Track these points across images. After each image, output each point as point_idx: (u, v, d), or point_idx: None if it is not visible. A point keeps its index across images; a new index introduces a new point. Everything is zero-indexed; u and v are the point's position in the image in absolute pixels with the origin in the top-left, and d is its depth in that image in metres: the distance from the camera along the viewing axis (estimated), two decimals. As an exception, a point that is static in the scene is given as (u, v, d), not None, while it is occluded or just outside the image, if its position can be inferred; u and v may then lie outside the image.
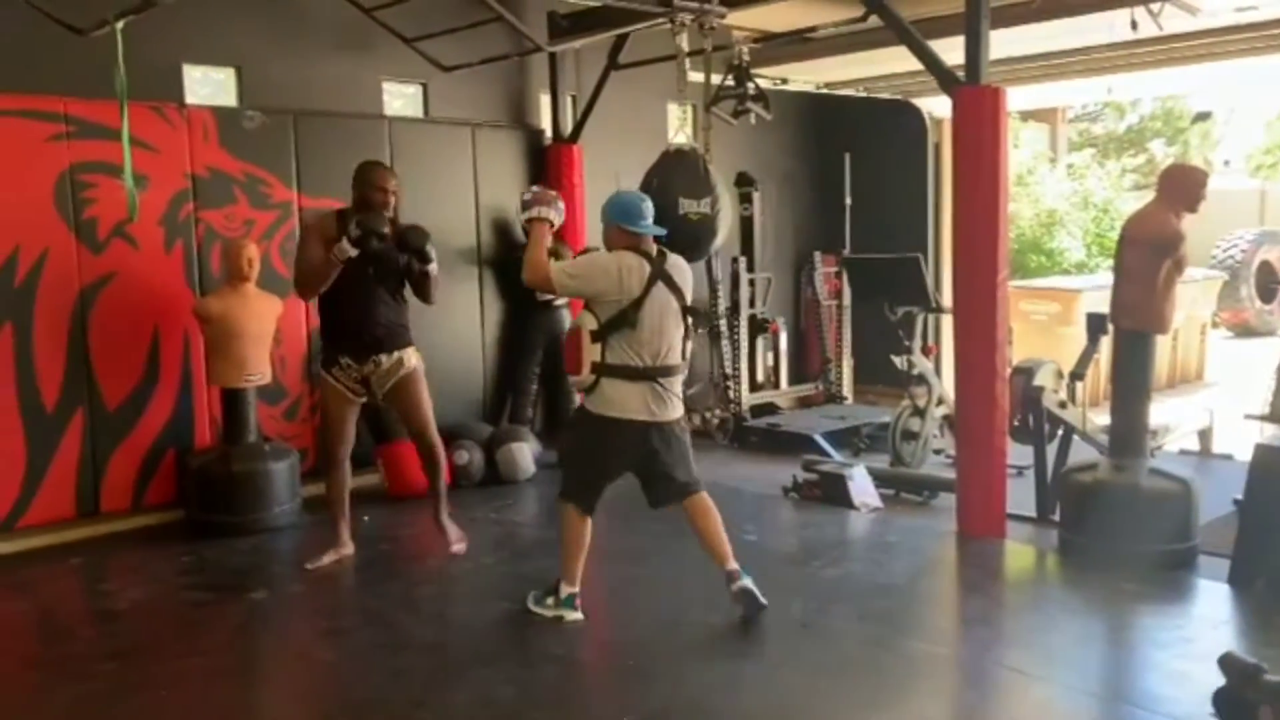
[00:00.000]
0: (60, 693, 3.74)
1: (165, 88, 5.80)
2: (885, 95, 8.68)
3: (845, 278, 8.36)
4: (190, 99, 5.96)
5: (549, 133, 7.48)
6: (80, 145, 5.41)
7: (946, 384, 6.73)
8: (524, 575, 4.94)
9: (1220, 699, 3.13)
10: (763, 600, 4.20)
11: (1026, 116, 15.50)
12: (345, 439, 5.00)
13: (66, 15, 5.02)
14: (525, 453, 6.70)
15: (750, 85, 5.88)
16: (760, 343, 8.30)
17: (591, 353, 4.07)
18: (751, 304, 8.16)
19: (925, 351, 7.07)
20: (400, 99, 6.94)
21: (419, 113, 7.00)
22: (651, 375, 4.08)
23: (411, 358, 5.00)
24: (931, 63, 5.20)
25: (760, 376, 8.36)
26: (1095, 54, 7.07)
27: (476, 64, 6.59)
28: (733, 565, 4.26)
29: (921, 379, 6.87)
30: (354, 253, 4.66)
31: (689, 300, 4.23)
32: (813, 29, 6.19)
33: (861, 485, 6.00)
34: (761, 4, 5.72)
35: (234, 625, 4.41)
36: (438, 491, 5.18)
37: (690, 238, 5.48)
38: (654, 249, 4.20)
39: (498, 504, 6.19)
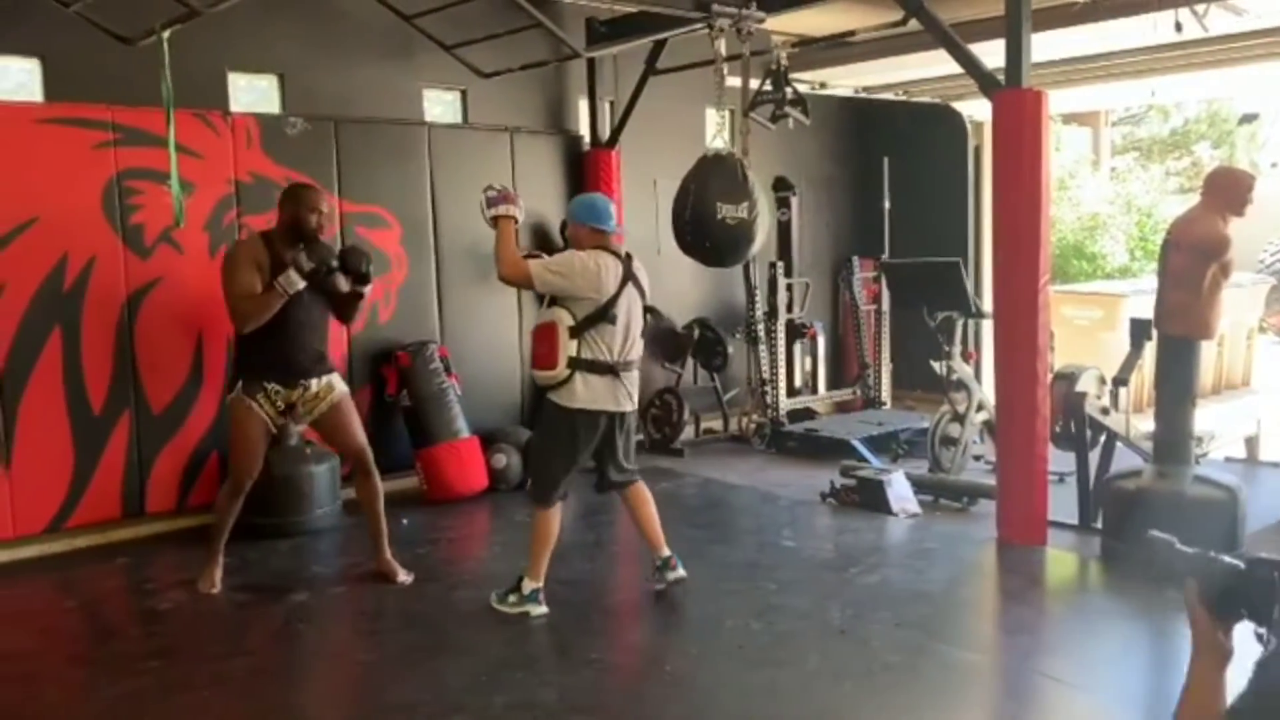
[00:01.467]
0: (106, 690, 3.81)
1: (210, 95, 5.89)
2: (924, 99, 8.63)
3: (884, 282, 8.30)
4: (234, 106, 6.05)
5: (587, 138, 7.51)
6: (127, 152, 5.51)
7: (986, 389, 6.67)
8: (559, 578, 4.94)
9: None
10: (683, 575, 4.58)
11: (1068, 119, 15.33)
12: (257, 467, 4.75)
13: (114, 25, 5.11)
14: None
15: (788, 90, 5.87)
16: (798, 348, 8.28)
17: (568, 348, 4.25)
18: (789, 309, 8.14)
19: (965, 357, 7.00)
20: (440, 105, 7.00)
21: (458, 119, 7.05)
22: (617, 370, 4.31)
23: (339, 382, 4.90)
24: (972, 66, 5.17)
25: (798, 381, 8.33)
26: (1139, 56, 6.97)
27: (515, 70, 6.63)
28: (665, 553, 4.61)
29: (961, 384, 6.81)
30: (302, 285, 4.49)
31: (647, 300, 4.50)
32: (852, 33, 6.17)
33: (900, 491, 5.96)
34: (800, 8, 5.71)
35: (275, 626, 4.47)
36: (380, 516, 4.90)
37: (728, 242, 5.47)
38: (622, 249, 4.41)
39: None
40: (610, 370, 4.29)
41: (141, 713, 3.64)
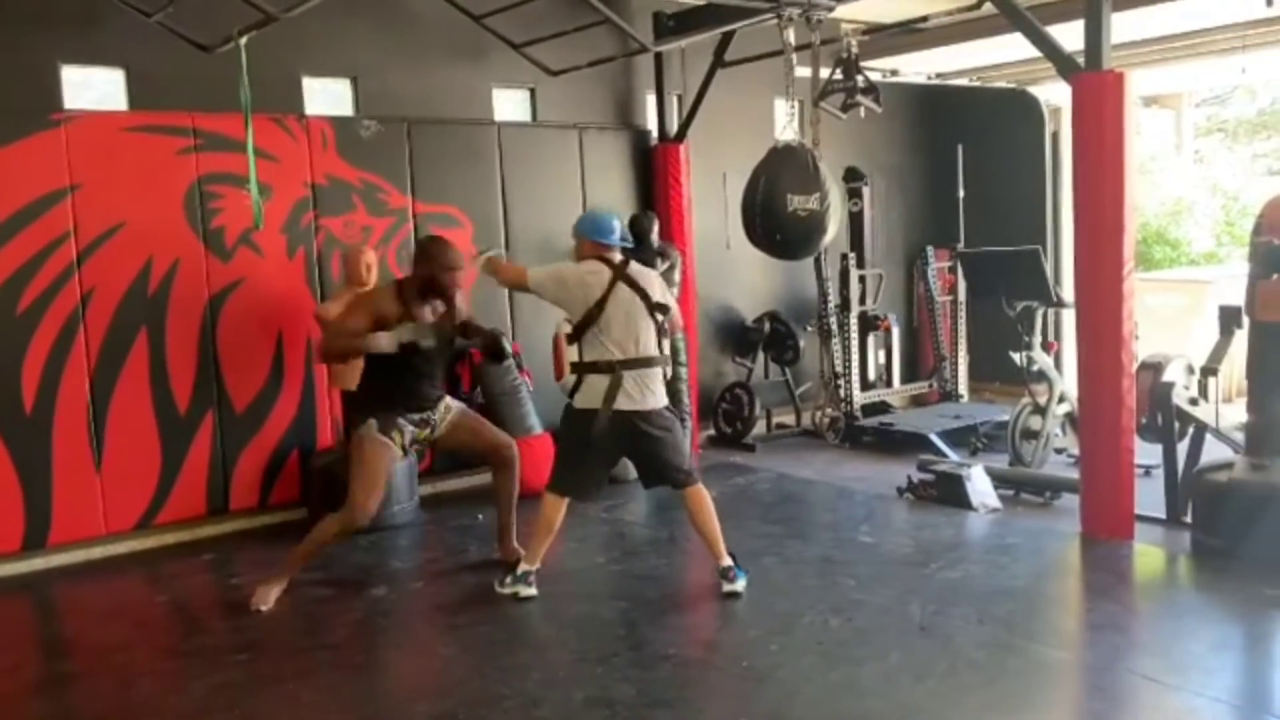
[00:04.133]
0: (198, 683, 3.91)
1: (286, 99, 6.00)
2: (999, 84, 8.45)
3: (960, 272, 8.16)
4: (309, 110, 6.15)
5: (655, 132, 7.50)
6: (208, 158, 5.65)
7: (1068, 381, 6.51)
8: (636, 574, 4.97)
9: None
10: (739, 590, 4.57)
11: (1148, 102, 14.88)
12: (377, 503, 4.72)
13: (193, 34, 5.24)
14: (635, 452, 6.71)
15: (859, 78, 5.78)
16: (871, 340, 8.17)
17: (571, 354, 4.52)
18: (862, 301, 8.04)
19: (1045, 347, 6.85)
20: (509, 104, 7.04)
21: (527, 117, 7.09)
22: (625, 368, 4.44)
23: (453, 400, 4.99)
24: (1049, 49, 5.04)
25: (872, 375, 8.22)
26: (1227, 33, 6.74)
27: (584, 66, 6.64)
28: (726, 561, 4.59)
29: (1042, 376, 6.66)
30: (388, 349, 4.49)
31: (656, 299, 4.56)
32: (924, 18, 6.06)
33: (979, 485, 5.85)
34: (870, -5, 5.63)
35: (357, 620, 4.54)
36: (513, 508, 5.06)
37: (799, 234, 5.44)
38: (617, 258, 4.61)
39: (607, 503, 6.21)
40: (612, 370, 4.44)
41: (232, 705, 3.72)
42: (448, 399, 4.95)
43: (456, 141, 6.55)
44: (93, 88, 5.59)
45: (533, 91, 7.04)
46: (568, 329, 4.53)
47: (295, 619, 4.57)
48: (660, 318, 4.58)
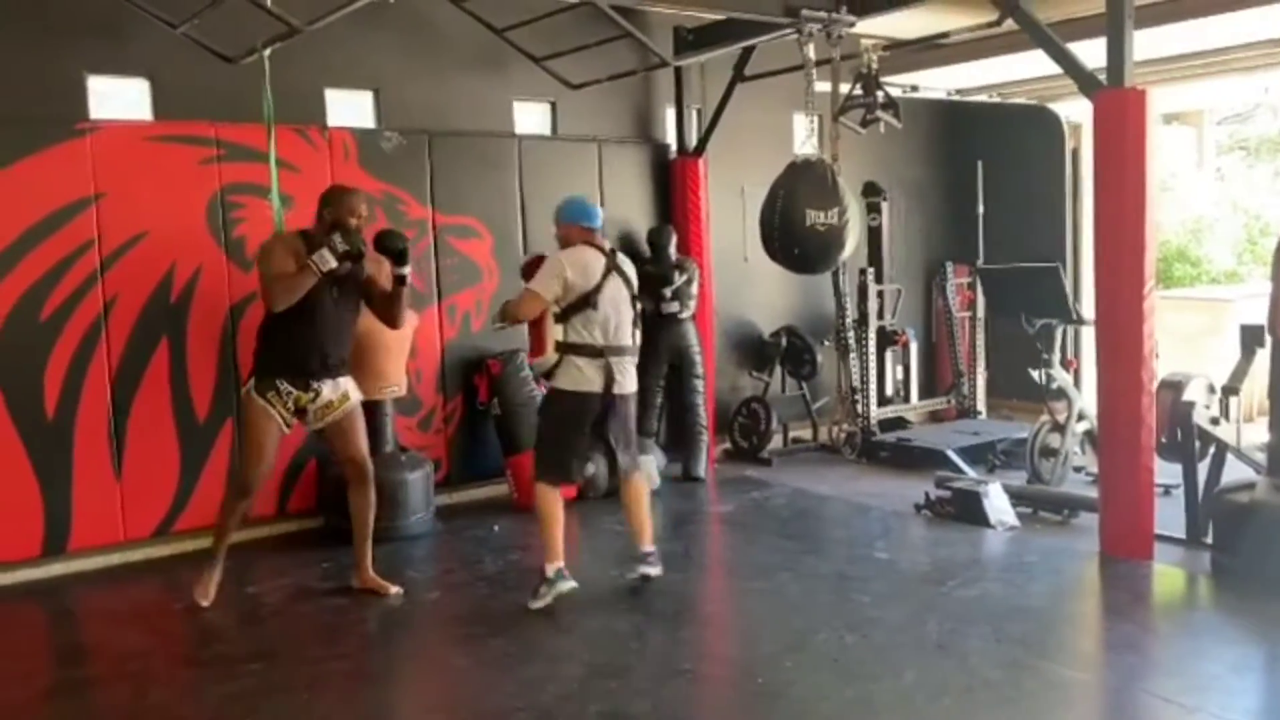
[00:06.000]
0: (212, 690, 3.92)
1: (308, 111, 6.05)
2: (1019, 100, 8.43)
3: (979, 288, 8.14)
4: (331, 121, 6.19)
5: (674, 146, 7.52)
6: (230, 168, 5.69)
7: (1087, 398, 6.47)
8: (650, 587, 4.95)
9: None
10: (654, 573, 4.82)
11: (1169, 119, 14.81)
12: (267, 468, 4.76)
13: (218, 45, 5.29)
14: (650, 465, 6.71)
15: (879, 93, 5.79)
16: (889, 355, 8.14)
17: (555, 333, 4.61)
18: (880, 315, 8.02)
19: (1065, 364, 6.81)
20: (530, 117, 7.07)
21: (547, 130, 7.12)
22: (606, 353, 4.59)
23: (355, 391, 4.89)
24: (1071, 66, 5.03)
25: (889, 390, 8.20)
26: (1250, 51, 6.71)
27: (604, 80, 6.66)
28: (648, 548, 4.83)
29: (1061, 393, 6.63)
30: (334, 264, 4.45)
31: (635, 290, 4.77)
32: (945, 34, 6.05)
33: (997, 503, 5.81)
34: (891, 11, 5.63)
35: (371, 630, 4.55)
36: (368, 527, 4.95)
37: (817, 249, 5.44)
38: (606, 244, 4.78)
39: (623, 516, 6.19)
40: (599, 354, 4.58)
41: (245, 713, 3.73)
42: (350, 389, 4.85)
43: (476, 153, 6.58)
44: (119, 97, 5.64)
45: (553, 105, 7.07)
46: (554, 308, 4.59)
47: (310, 628, 4.58)
48: (638, 308, 4.77)
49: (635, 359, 4.79)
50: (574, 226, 4.76)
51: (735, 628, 4.67)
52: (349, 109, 6.33)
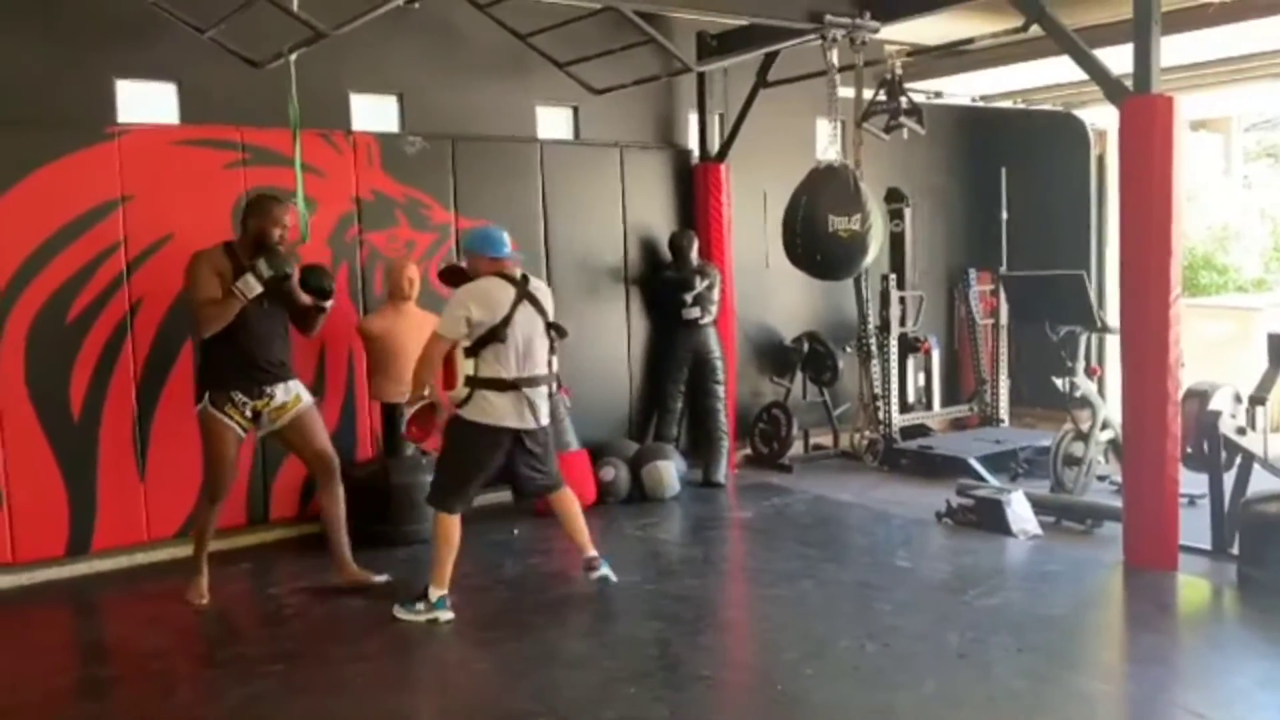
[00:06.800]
0: (233, 692, 3.94)
1: (333, 115, 6.08)
2: (1044, 106, 8.38)
3: (1003, 295, 8.09)
4: (356, 126, 6.23)
5: (696, 152, 7.51)
6: (255, 171, 5.72)
7: (1111, 407, 6.42)
8: (669, 593, 4.95)
9: None
10: (614, 578, 4.84)
11: (1195, 126, 14.69)
12: (232, 477, 4.88)
13: (244, 50, 5.32)
14: (670, 471, 6.71)
15: (903, 99, 5.77)
16: (911, 362, 8.11)
17: (465, 367, 4.55)
18: (902, 322, 7.98)
19: (1088, 372, 6.76)
20: (552, 121, 7.08)
21: (570, 135, 7.13)
22: (519, 385, 4.52)
23: (305, 392, 5.00)
24: (1098, 73, 5.00)
25: (911, 397, 8.16)
26: (1278, 57, 6.65)
27: (627, 85, 6.67)
28: (592, 552, 4.84)
29: (1084, 401, 6.58)
30: (259, 290, 4.58)
31: (551, 317, 4.69)
32: (969, 40, 6.03)
33: (1020, 511, 5.77)
34: (915, 17, 5.61)
35: (392, 632, 4.55)
36: (341, 525, 5.03)
37: (840, 255, 5.43)
38: (517, 273, 4.66)
39: (643, 521, 6.22)
40: (512, 387, 4.51)
41: (267, 714, 3.76)
42: (300, 390, 4.95)
43: (499, 158, 6.60)
44: (146, 101, 5.69)
45: (575, 110, 7.08)
46: (465, 341, 4.53)
47: (331, 630, 4.60)
48: (553, 335, 4.70)
49: (551, 386, 4.73)
50: (481, 258, 4.67)
51: (755, 634, 4.66)
52: (373, 113, 6.36)
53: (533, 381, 4.58)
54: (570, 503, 4.89)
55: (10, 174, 5.15)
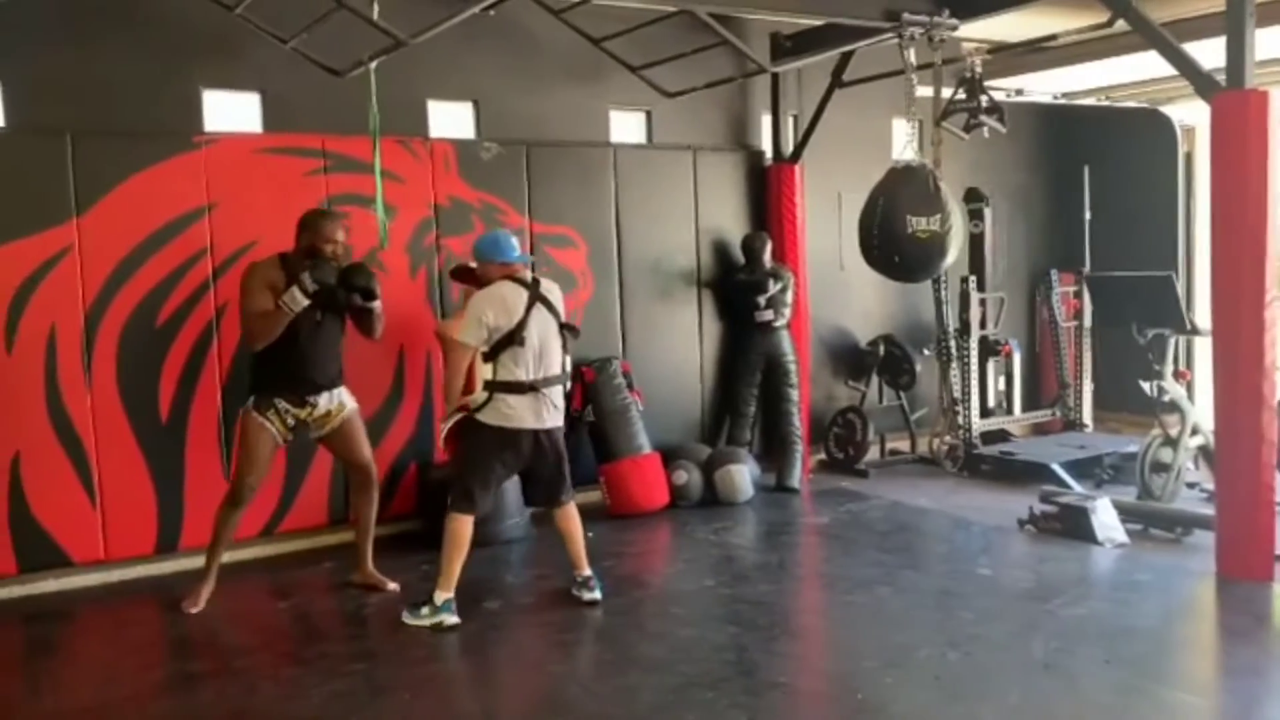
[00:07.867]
0: (317, 690, 4.01)
1: (411, 122, 6.17)
2: (1129, 103, 8.16)
3: (1087, 297, 7.89)
4: (433, 132, 6.31)
5: (769, 153, 7.47)
6: (336, 179, 5.84)
7: (1200, 412, 6.22)
8: (746, 598, 4.92)
9: None
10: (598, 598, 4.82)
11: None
12: (260, 479, 4.91)
13: (326, 59, 5.43)
14: (744, 474, 6.67)
15: (983, 97, 5.66)
16: (991, 366, 7.95)
17: (483, 371, 4.59)
18: (982, 325, 7.83)
19: (1177, 376, 6.56)
20: (626, 125, 7.10)
21: (643, 138, 7.14)
22: (536, 387, 4.56)
23: (350, 399, 5.03)
24: (1187, 68, 4.84)
25: (991, 401, 8.00)
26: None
27: (700, 88, 6.65)
28: (586, 571, 4.84)
29: (1173, 406, 6.38)
30: (305, 303, 4.64)
31: (563, 318, 4.72)
32: (1052, 37, 5.89)
33: (1105, 519, 5.62)
34: (995, 14, 5.50)
35: (470, 633, 4.59)
36: (371, 529, 5.17)
37: (919, 256, 5.35)
38: (529, 276, 4.72)
39: (716, 525, 6.19)
40: (530, 389, 4.55)
41: (348, 712, 3.81)
42: (345, 397, 5.01)
43: (573, 163, 6.64)
44: (232, 110, 5.84)
45: (649, 113, 7.09)
46: (483, 347, 4.56)
47: (410, 630, 4.64)
48: (565, 336, 4.73)
49: (566, 386, 4.77)
50: (491, 264, 4.72)
51: (833, 641, 4.60)
52: (450, 120, 6.44)
53: (549, 382, 4.63)
54: (574, 522, 4.88)
55: (104, 182, 5.32)
